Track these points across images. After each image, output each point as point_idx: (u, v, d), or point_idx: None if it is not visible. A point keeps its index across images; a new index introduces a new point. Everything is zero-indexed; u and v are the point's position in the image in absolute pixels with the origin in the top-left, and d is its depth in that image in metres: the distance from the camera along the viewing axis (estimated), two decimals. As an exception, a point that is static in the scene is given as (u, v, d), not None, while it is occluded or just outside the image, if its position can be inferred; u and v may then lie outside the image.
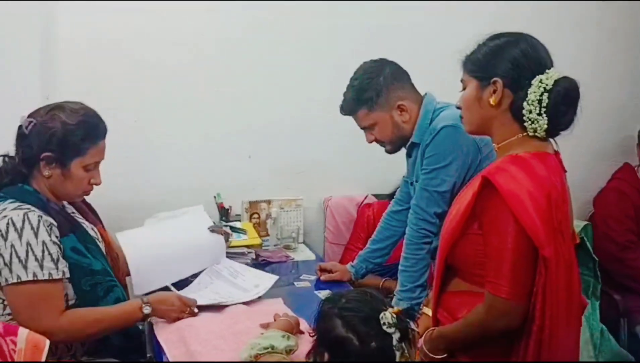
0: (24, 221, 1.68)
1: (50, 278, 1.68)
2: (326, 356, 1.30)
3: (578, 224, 2.93)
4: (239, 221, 2.76)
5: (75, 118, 1.78)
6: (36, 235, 1.68)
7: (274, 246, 2.76)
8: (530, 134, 1.47)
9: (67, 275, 1.73)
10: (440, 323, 1.60)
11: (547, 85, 1.43)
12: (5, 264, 1.66)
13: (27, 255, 1.66)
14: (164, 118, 2.74)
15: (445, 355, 1.55)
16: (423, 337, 1.59)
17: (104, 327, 1.77)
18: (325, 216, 2.99)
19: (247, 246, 2.44)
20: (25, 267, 1.65)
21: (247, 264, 2.35)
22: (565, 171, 1.53)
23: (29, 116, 1.79)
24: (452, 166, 1.92)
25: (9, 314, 1.72)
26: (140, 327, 1.92)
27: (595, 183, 3.29)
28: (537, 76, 1.45)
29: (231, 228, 2.53)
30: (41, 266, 1.66)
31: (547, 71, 1.46)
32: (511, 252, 1.38)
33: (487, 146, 1.89)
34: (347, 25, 2.90)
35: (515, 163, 1.44)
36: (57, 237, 1.74)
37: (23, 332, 1.45)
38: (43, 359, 1.49)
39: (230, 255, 2.35)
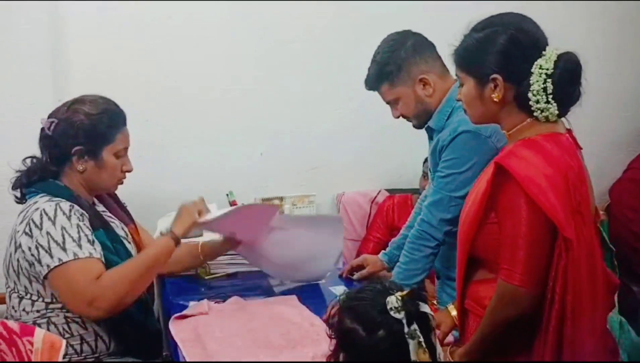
0: (56, 210, 1.71)
1: (91, 256, 1.69)
2: (342, 356, 1.22)
3: (594, 214, 2.90)
4: (252, 218, 2.76)
5: (98, 107, 1.82)
6: (69, 219, 1.71)
7: (287, 243, 2.75)
8: (542, 120, 1.43)
9: (103, 260, 1.73)
10: (469, 313, 1.57)
11: (548, 69, 1.39)
12: (45, 251, 1.67)
13: (63, 238, 1.68)
14: (175, 117, 2.75)
15: None
16: (448, 352, 1.55)
17: (144, 269, 1.75)
18: (339, 212, 2.98)
19: (261, 244, 2.43)
20: (64, 249, 1.67)
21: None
22: (581, 148, 1.49)
23: (49, 117, 1.82)
24: (469, 172, 1.85)
25: (37, 311, 1.75)
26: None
27: (610, 173, 3.25)
28: (536, 62, 1.40)
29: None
30: (80, 246, 1.68)
31: (543, 52, 1.41)
32: (525, 238, 1.35)
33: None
34: (359, 26, 2.88)
35: (529, 147, 1.41)
36: (89, 226, 1.76)
37: (39, 332, 1.46)
38: (60, 359, 1.50)
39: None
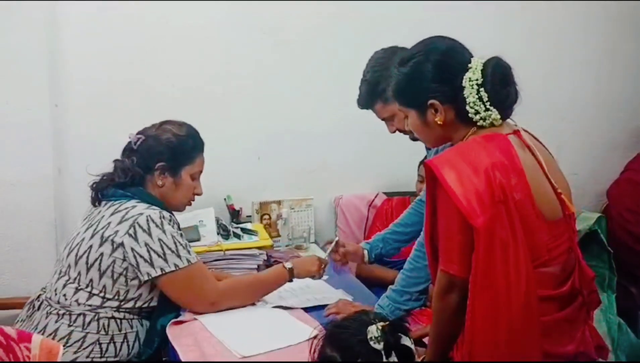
0: (160, 217, 1.84)
1: (198, 261, 1.88)
2: None
3: (592, 216, 2.91)
4: (250, 222, 2.76)
5: (184, 130, 2.00)
6: (173, 228, 1.86)
7: (285, 247, 2.75)
8: (487, 126, 1.46)
9: None
10: None
11: (477, 79, 1.43)
12: (159, 256, 1.80)
13: (175, 245, 1.82)
14: (172, 121, 2.75)
15: None
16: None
17: (258, 289, 1.98)
18: (336, 215, 2.99)
19: (259, 248, 2.43)
20: (179, 256, 1.82)
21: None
22: (529, 147, 1.46)
23: (138, 133, 1.98)
24: None
25: (89, 305, 1.82)
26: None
27: (607, 174, 3.26)
28: (465, 76, 1.44)
29: (242, 229, 2.54)
30: (189, 252, 1.85)
31: (469, 65, 1.45)
32: (457, 232, 1.37)
33: None
34: (357, 28, 2.89)
35: (454, 147, 1.47)
36: None
37: (37, 338, 1.45)
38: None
39: (241, 257, 2.37)
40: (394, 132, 2.09)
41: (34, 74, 2.52)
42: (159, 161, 1.93)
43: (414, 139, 2.08)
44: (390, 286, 2.01)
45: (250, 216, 2.82)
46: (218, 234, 2.45)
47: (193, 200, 2.07)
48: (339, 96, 2.91)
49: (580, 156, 3.20)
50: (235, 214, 2.76)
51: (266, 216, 2.82)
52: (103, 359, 1.81)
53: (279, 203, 2.84)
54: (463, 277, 1.38)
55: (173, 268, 1.80)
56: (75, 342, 1.78)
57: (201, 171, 2.05)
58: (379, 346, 1.15)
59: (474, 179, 1.34)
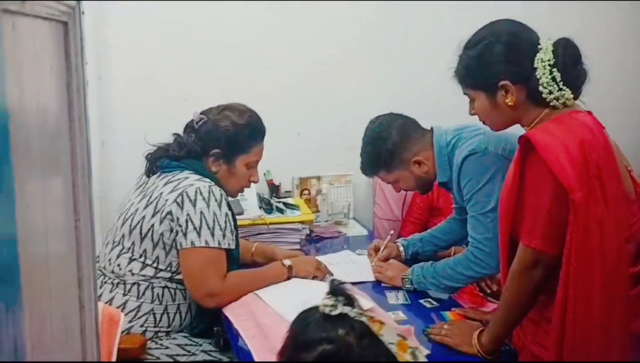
0: (209, 192, 1.82)
1: (229, 247, 1.84)
2: None
3: None
4: (290, 197, 2.77)
5: (244, 118, 1.97)
6: (220, 206, 1.82)
7: (325, 222, 2.76)
8: (560, 107, 1.46)
9: (239, 249, 1.96)
10: None
11: (549, 60, 1.43)
12: (194, 228, 1.78)
13: (214, 223, 1.80)
14: (212, 97, 2.73)
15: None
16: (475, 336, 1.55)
17: (258, 285, 1.89)
18: (375, 192, 2.98)
19: (301, 222, 2.45)
20: (212, 234, 1.79)
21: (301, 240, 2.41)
22: (604, 127, 1.48)
23: (201, 113, 1.98)
24: (488, 186, 1.85)
25: (143, 275, 1.83)
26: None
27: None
28: (537, 56, 1.44)
29: (285, 204, 2.55)
30: (224, 236, 1.81)
31: (539, 46, 1.46)
32: (547, 206, 1.36)
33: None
34: (403, 11, 2.88)
35: (553, 121, 1.45)
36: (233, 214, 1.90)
37: (99, 305, 1.48)
38: (119, 331, 1.53)
39: (284, 231, 2.39)
40: (400, 191, 2.19)
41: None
42: (215, 148, 1.94)
43: (424, 192, 2.18)
44: (432, 262, 2.01)
45: (289, 191, 2.83)
46: (260, 208, 2.46)
47: (248, 187, 2.07)
48: (379, 73, 2.91)
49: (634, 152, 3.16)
50: (274, 189, 2.78)
51: (306, 192, 2.83)
52: (156, 329, 1.84)
53: (318, 178, 2.85)
54: (548, 253, 1.37)
55: (202, 244, 1.77)
56: (130, 311, 1.81)
57: (258, 160, 2.03)
58: (332, 308, 1.05)
59: (573, 153, 1.34)
